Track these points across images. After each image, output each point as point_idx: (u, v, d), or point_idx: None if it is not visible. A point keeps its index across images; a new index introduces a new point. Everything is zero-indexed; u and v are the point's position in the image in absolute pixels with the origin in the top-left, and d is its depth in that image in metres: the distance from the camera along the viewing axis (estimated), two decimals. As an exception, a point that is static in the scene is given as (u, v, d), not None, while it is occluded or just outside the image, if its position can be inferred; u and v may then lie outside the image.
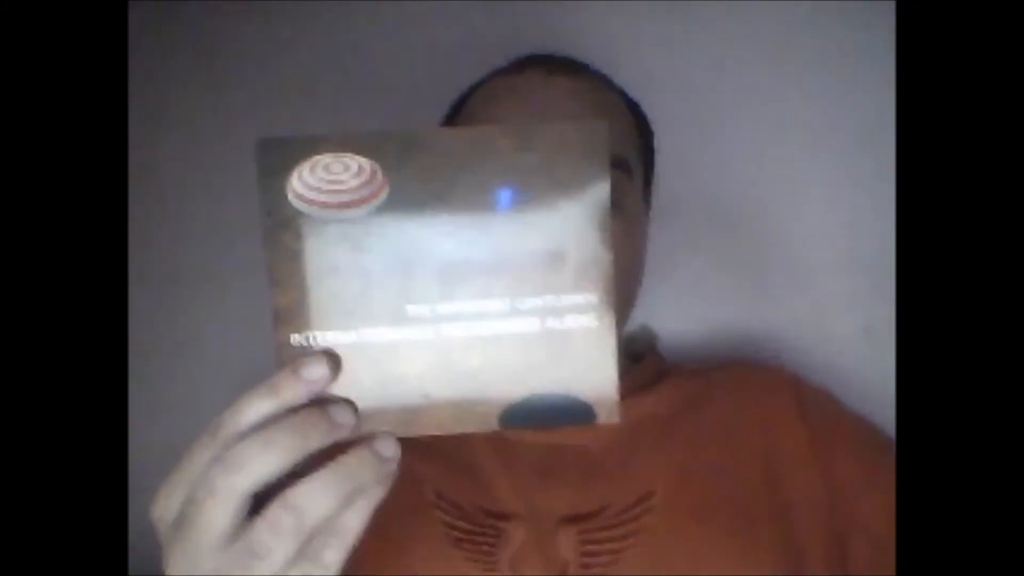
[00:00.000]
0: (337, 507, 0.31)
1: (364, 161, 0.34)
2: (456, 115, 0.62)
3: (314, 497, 0.31)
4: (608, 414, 0.34)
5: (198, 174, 0.81)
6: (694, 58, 0.78)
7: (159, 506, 0.32)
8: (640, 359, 0.65)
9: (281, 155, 0.34)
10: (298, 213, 0.34)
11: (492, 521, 0.51)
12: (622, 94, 0.63)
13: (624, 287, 0.57)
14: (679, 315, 0.77)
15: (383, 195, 0.34)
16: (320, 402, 0.33)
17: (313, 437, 0.32)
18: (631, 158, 0.58)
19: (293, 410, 0.32)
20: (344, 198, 0.34)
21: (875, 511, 0.52)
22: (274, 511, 0.31)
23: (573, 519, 0.50)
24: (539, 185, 0.34)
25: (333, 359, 0.33)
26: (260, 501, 0.31)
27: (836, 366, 0.72)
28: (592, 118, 0.56)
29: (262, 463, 0.31)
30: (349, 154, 0.34)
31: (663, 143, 0.68)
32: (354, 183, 0.34)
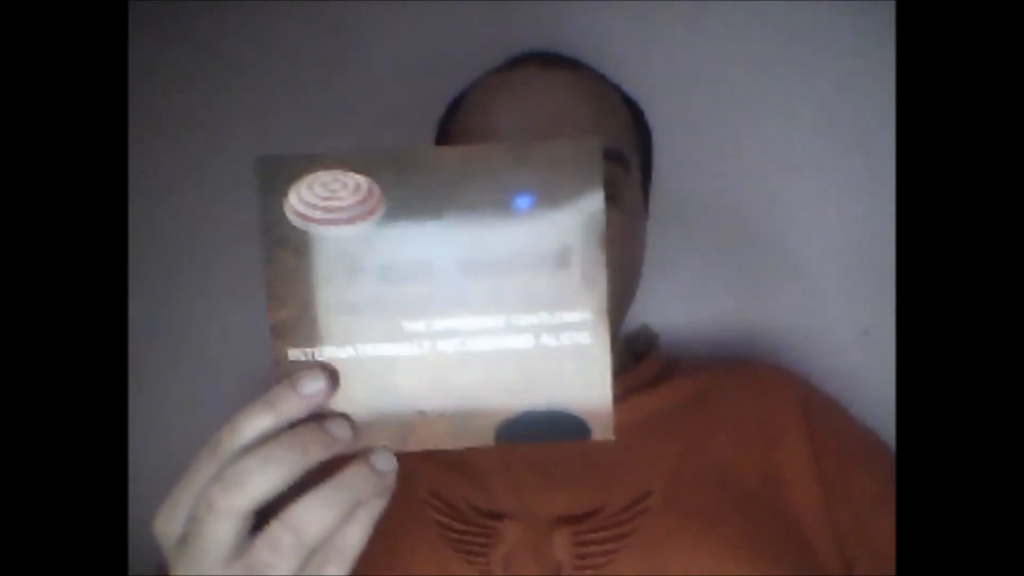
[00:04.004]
0: (337, 523, 0.31)
1: (361, 179, 0.34)
2: (453, 114, 0.62)
3: (313, 514, 0.31)
4: (602, 430, 0.35)
5: (198, 177, 0.80)
6: (694, 58, 0.78)
7: (161, 522, 0.32)
8: (642, 358, 0.65)
9: (280, 173, 0.34)
10: (296, 230, 0.34)
11: (485, 520, 0.50)
12: (619, 91, 0.63)
13: (623, 283, 0.57)
14: (678, 315, 0.77)
15: (380, 212, 0.34)
16: (318, 417, 0.33)
17: (312, 452, 0.32)
18: (628, 152, 0.58)
19: (291, 425, 0.32)
20: (342, 215, 0.34)
21: (884, 532, 0.51)
22: (274, 529, 0.31)
23: (568, 520, 0.50)
24: (534, 202, 0.34)
25: (331, 373, 0.34)
26: (263, 516, 0.31)
27: (835, 367, 0.72)
28: (588, 115, 0.56)
29: (262, 480, 0.31)
30: (347, 172, 0.34)
31: (663, 143, 0.68)
32: (351, 200, 0.34)
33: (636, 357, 0.65)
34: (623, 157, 0.57)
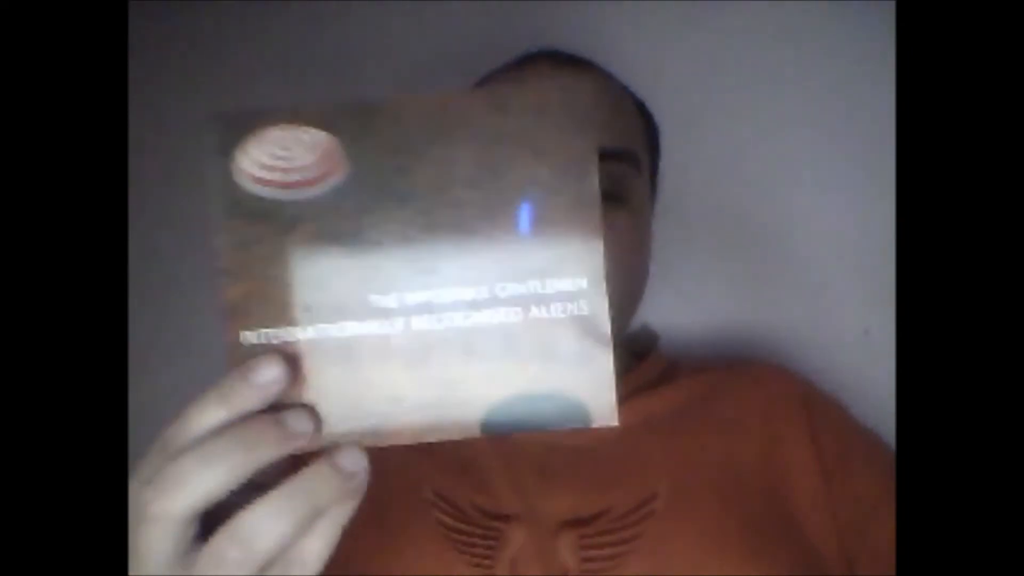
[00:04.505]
0: (293, 533, 0.28)
1: (319, 134, 0.30)
2: None
3: (263, 525, 0.27)
4: (605, 415, 0.31)
5: (197, 173, 0.80)
6: (695, 58, 0.78)
7: None
8: (643, 358, 0.65)
9: (230, 130, 0.30)
10: (248, 195, 0.30)
11: (491, 523, 0.50)
12: (629, 92, 0.63)
13: (631, 284, 0.57)
14: (679, 315, 0.77)
15: (341, 172, 0.30)
16: (274, 409, 0.29)
17: (262, 449, 0.28)
18: (639, 153, 0.58)
19: (244, 419, 0.29)
20: (298, 176, 0.30)
21: (885, 531, 0.51)
22: (219, 541, 0.28)
23: (574, 523, 0.50)
24: (516, 157, 0.30)
25: (289, 358, 0.30)
26: (216, 520, 0.28)
27: (835, 367, 0.72)
28: (601, 114, 0.55)
29: (200, 482, 0.27)
30: (303, 127, 0.30)
31: (664, 144, 0.68)
32: (309, 159, 0.30)
33: (637, 358, 0.65)
34: (634, 157, 0.57)
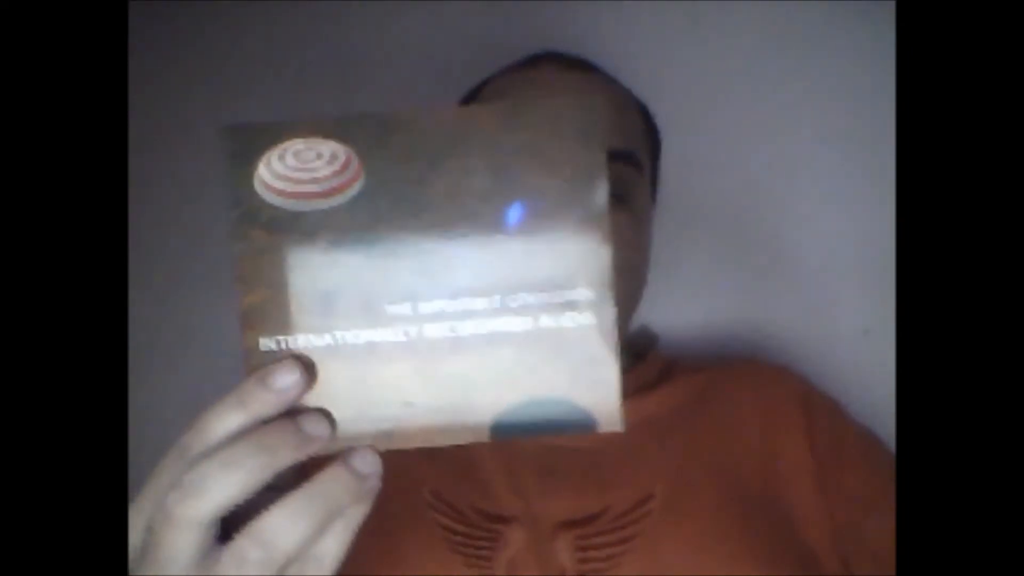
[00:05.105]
0: (311, 534, 0.29)
1: (337, 147, 0.31)
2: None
3: (284, 526, 0.28)
4: (610, 421, 0.32)
5: (198, 174, 0.81)
6: (695, 58, 0.78)
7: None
8: (642, 359, 0.65)
9: (248, 142, 0.31)
10: (267, 205, 0.31)
11: (489, 524, 0.50)
12: (632, 95, 0.63)
13: (631, 285, 0.57)
14: (678, 314, 0.77)
15: (358, 183, 0.31)
16: (291, 413, 0.30)
17: (281, 454, 0.29)
18: (641, 155, 0.59)
19: (262, 423, 0.29)
20: (315, 187, 0.31)
21: (881, 531, 0.52)
22: (240, 543, 0.28)
23: (571, 524, 0.50)
24: (528, 168, 0.31)
25: (306, 365, 0.31)
26: (233, 523, 0.29)
27: (835, 366, 0.72)
28: (608, 116, 0.55)
29: (222, 487, 0.28)
30: (321, 139, 0.31)
31: (665, 145, 0.68)
32: (326, 171, 0.31)
33: (636, 358, 0.65)
34: (637, 159, 0.57)
